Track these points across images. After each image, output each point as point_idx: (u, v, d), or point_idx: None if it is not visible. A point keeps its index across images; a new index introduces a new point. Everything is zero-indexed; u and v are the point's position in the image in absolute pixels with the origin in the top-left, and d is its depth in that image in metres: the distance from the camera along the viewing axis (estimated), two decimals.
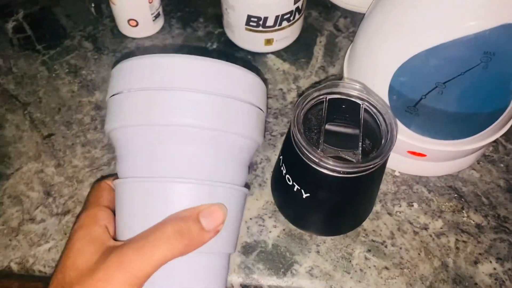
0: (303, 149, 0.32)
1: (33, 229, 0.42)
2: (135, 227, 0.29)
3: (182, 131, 0.30)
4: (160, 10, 0.56)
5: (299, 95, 0.51)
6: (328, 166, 0.31)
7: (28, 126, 0.49)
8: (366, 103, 0.34)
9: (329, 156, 0.32)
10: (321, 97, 0.35)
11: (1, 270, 0.41)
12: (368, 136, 0.34)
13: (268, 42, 0.53)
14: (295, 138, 0.33)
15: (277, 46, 0.54)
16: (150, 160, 0.30)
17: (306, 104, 0.34)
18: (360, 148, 0.32)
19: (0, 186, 0.45)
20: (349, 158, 0.33)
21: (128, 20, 0.54)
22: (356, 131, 0.33)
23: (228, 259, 0.34)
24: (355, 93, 0.35)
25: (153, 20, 0.55)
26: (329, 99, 0.35)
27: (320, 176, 0.33)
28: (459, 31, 0.33)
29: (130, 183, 0.31)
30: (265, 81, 0.53)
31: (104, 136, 0.48)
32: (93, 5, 0.60)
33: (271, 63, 0.54)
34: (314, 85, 0.52)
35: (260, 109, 0.34)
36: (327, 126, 0.34)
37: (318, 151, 0.32)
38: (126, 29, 0.55)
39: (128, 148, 0.31)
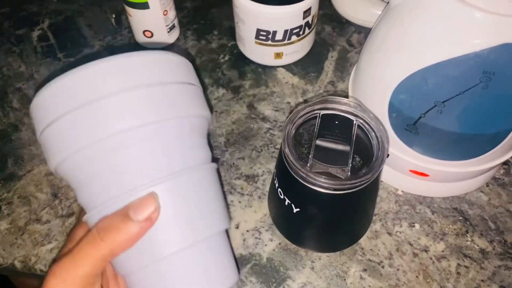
0: (292, 163, 0.32)
1: (38, 229, 0.44)
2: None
3: (129, 136, 0.28)
4: (176, 22, 0.57)
5: None
6: (315, 182, 0.31)
7: None
8: (360, 120, 0.34)
9: (318, 172, 0.31)
10: (314, 112, 0.35)
11: (5, 267, 0.42)
12: (359, 153, 0.33)
13: (278, 55, 0.53)
14: (284, 152, 0.33)
15: (287, 60, 0.54)
16: (108, 180, 0.29)
17: (298, 118, 0.34)
18: (350, 165, 0.32)
19: (12, 186, 0.47)
20: (338, 174, 0.32)
21: (144, 31, 0.55)
22: (347, 148, 0.33)
23: (225, 235, 0.33)
24: (349, 109, 0.34)
25: (168, 32, 0.56)
26: (322, 114, 0.34)
27: (308, 191, 0.32)
28: (457, 50, 0.32)
29: (96, 215, 0.29)
30: (273, 93, 0.53)
31: None
32: (113, 16, 0.63)
33: (280, 76, 0.55)
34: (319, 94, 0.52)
35: (191, 84, 0.33)
36: (318, 142, 0.34)
37: (306, 167, 0.32)
38: (142, 40, 0.57)
39: (83, 174, 0.29)
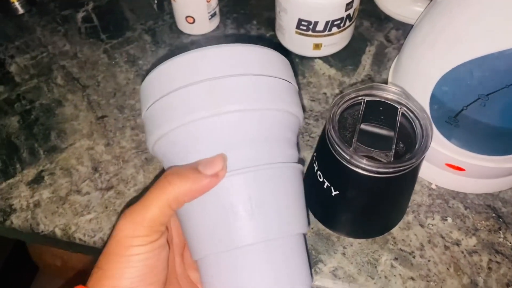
0: (336, 145, 0.33)
1: (78, 200, 0.45)
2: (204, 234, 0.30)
3: (235, 117, 0.29)
4: (217, 10, 0.58)
5: None
6: (359, 164, 0.32)
7: (85, 106, 0.53)
8: (404, 108, 0.35)
9: (361, 155, 0.32)
10: (359, 98, 0.35)
11: (46, 234, 0.44)
12: (402, 140, 0.34)
13: (317, 46, 0.54)
14: (329, 134, 0.33)
15: (325, 51, 0.55)
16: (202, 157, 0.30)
17: (343, 103, 0.35)
18: (393, 150, 0.33)
19: (54, 158, 0.49)
20: (381, 159, 0.33)
21: (186, 17, 0.57)
22: (391, 133, 0.33)
23: (303, 239, 0.33)
24: (394, 96, 0.35)
25: (209, 19, 0.58)
26: (367, 100, 0.35)
27: (350, 174, 0.33)
28: (506, 43, 0.32)
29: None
30: (309, 83, 0.54)
31: None
32: (155, 1, 0.64)
33: (317, 67, 0.55)
34: (355, 85, 0.52)
35: (291, 82, 0.33)
36: (362, 126, 0.34)
37: (350, 149, 0.32)
38: (183, 25, 0.58)
39: (177, 150, 0.30)
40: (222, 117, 0.29)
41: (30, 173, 0.48)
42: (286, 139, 0.32)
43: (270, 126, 0.31)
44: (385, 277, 0.40)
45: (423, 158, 0.32)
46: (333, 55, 0.56)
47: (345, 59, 0.56)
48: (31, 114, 0.52)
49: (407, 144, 0.34)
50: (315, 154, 0.38)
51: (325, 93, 0.53)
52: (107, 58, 0.58)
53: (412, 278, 0.40)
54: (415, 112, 0.34)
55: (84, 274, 0.29)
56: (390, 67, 0.53)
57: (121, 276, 0.28)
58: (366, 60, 0.56)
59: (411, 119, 0.34)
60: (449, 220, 0.43)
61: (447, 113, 0.38)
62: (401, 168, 0.31)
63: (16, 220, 0.45)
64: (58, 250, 1.00)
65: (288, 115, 0.32)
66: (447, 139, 0.40)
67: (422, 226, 0.43)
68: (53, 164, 0.48)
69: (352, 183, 0.34)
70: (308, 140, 0.49)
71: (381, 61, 0.56)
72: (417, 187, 0.45)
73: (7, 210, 0.45)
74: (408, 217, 0.43)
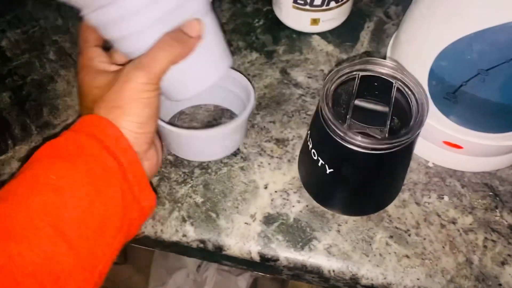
0: (329, 122, 0.32)
1: None
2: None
3: None
4: None
5: None
6: (353, 141, 0.31)
7: None
8: (399, 82, 0.34)
9: (355, 132, 0.31)
10: (353, 73, 0.34)
11: None
12: (397, 115, 0.33)
13: (314, 22, 0.52)
14: (322, 111, 0.33)
15: (323, 26, 0.54)
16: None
17: (337, 79, 0.34)
18: (388, 126, 0.32)
19: (47, 134, 0.48)
20: (375, 135, 0.32)
21: None
22: (386, 109, 0.33)
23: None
24: (389, 71, 0.34)
25: None
26: (361, 76, 0.34)
27: (345, 150, 0.32)
28: (508, 15, 0.31)
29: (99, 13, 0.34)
30: (307, 60, 0.53)
31: None
32: None
33: (315, 43, 0.54)
34: (349, 59, 0.51)
35: None
36: (356, 102, 0.33)
37: (344, 126, 0.32)
38: None
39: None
40: None
41: (22, 149, 0.47)
42: None
43: None
44: (380, 254, 0.40)
45: (418, 134, 0.32)
46: (331, 31, 0.55)
47: (344, 35, 0.55)
48: (23, 90, 0.52)
49: (402, 119, 0.33)
50: (309, 132, 0.38)
51: (322, 70, 0.52)
52: None
53: (407, 256, 0.40)
54: (410, 87, 0.33)
55: None
56: (389, 43, 0.52)
57: (140, 114, 0.33)
58: (365, 36, 0.55)
59: (406, 94, 0.33)
60: (446, 198, 0.43)
61: (446, 89, 0.37)
62: (396, 144, 0.31)
63: None
64: None
65: None
66: (445, 116, 0.39)
67: (418, 204, 0.42)
68: (45, 141, 0.48)
69: (347, 160, 0.34)
70: (305, 117, 0.48)
71: (380, 37, 0.55)
72: (413, 165, 0.45)
73: None
74: (404, 195, 0.43)
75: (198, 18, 0.35)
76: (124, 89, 0.33)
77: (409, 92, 0.33)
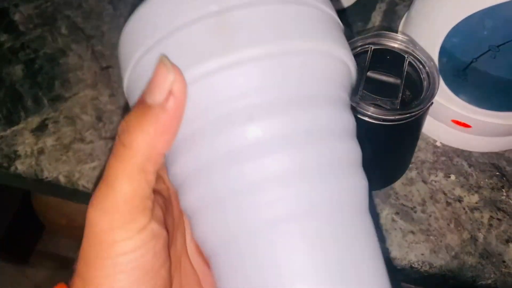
0: None
1: (82, 148, 0.46)
2: None
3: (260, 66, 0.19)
4: None
5: None
6: (365, 112, 0.32)
7: (89, 57, 0.52)
8: (411, 56, 0.34)
9: (367, 103, 0.32)
10: (365, 46, 0.35)
11: (51, 180, 0.44)
12: (409, 88, 0.33)
13: None
14: None
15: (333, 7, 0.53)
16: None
17: None
18: (400, 98, 0.32)
19: (59, 107, 0.49)
20: (386, 106, 0.33)
21: None
22: (398, 81, 0.33)
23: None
24: (401, 45, 0.34)
25: None
26: (373, 49, 0.34)
27: (356, 121, 0.33)
28: None
29: None
30: None
31: None
32: None
33: None
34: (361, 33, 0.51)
35: (335, 16, 0.23)
36: (369, 74, 0.34)
37: (356, 97, 0.32)
38: None
39: None
40: (237, 69, 0.19)
41: (34, 121, 0.48)
42: (340, 99, 0.21)
43: (315, 79, 0.20)
44: (386, 230, 0.40)
45: (429, 106, 0.32)
46: (342, 11, 0.55)
47: (354, 15, 0.55)
48: (35, 63, 0.52)
49: (414, 92, 0.33)
50: None
51: None
52: (112, 9, 0.57)
53: (412, 232, 0.40)
54: (421, 60, 0.33)
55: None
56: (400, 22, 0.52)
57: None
58: (376, 17, 0.55)
59: (417, 68, 0.34)
60: (453, 177, 0.43)
61: (456, 66, 0.37)
62: (407, 115, 0.31)
63: (21, 166, 0.45)
64: (63, 207, 1.02)
65: (337, 62, 0.21)
66: (455, 94, 0.39)
67: (425, 182, 0.43)
68: (57, 113, 0.48)
69: (358, 132, 0.34)
70: None
71: (392, 18, 0.55)
72: (421, 144, 0.45)
73: (12, 156, 0.45)
74: (411, 173, 0.43)
75: (162, 58, 0.19)
76: (84, 243, 0.21)
77: (420, 66, 0.34)
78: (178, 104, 0.19)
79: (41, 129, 0.47)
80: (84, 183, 0.44)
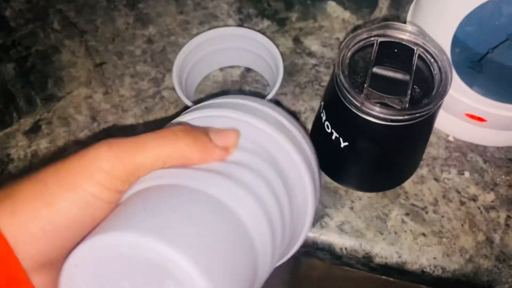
0: (345, 91, 0.30)
1: (76, 151, 0.44)
2: None
3: None
4: None
5: None
6: (371, 112, 0.29)
7: (83, 53, 0.50)
8: (421, 49, 0.31)
9: (373, 102, 0.29)
10: (371, 39, 0.32)
11: None
12: (418, 84, 0.31)
13: None
14: (338, 79, 0.30)
15: None
16: None
17: (354, 45, 0.32)
18: (409, 95, 0.30)
19: (52, 107, 0.47)
20: (394, 105, 0.30)
21: None
22: (406, 77, 0.30)
23: None
24: (410, 37, 0.31)
25: None
26: (380, 41, 0.32)
27: (361, 122, 0.30)
28: None
29: None
30: (321, 27, 0.50)
31: (152, 69, 0.48)
32: None
33: (330, 10, 0.51)
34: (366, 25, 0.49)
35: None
36: (375, 70, 0.31)
37: (361, 95, 0.30)
38: None
39: None
40: None
41: (27, 122, 0.46)
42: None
43: None
44: (395, 232, 0.38)
45: (441, 104, 0.29)
46: None
47: (361, 1, 0.52)
48: (27, 61, 0.50)
49: (424, 89, 0.31)
50: (322, 103, 0.36)
51: (338, 38, 0.49)
52: (105, 1, 0.54)
53: (424, 234, 0.38)
54: (433, 54, 0.31)
55: None
56: (409, 9, 0.49)
57: (65, 212, 0.22)
58: (384, 2, 0.52)
59: (428, 62, 0.31)
60: (466, 174, 0.41)
61: (470, 57, 0.34)
62: (417, 115, 0.28)
63: (14, 170, 0.43)
64: None
65: None
66: (469, 87, 0.36)
67: (437, 180, 0.40)
68: (50, 113, 0.46)
69: (363, 133, 0.32)
70: (318, 89, 0.46)
71: (400, 3, 0.51)
72: (433, 139, 0.42)
73: (5, 160, 0.44)
74: (422, 170, 0.41)
75: (237, 130, 0.26)
76: (73, 159, 0.24)
77: (432, 60, 0.31)
78: (221, 157, 0.26)
79: (34, 130, 0.45)
80: None
